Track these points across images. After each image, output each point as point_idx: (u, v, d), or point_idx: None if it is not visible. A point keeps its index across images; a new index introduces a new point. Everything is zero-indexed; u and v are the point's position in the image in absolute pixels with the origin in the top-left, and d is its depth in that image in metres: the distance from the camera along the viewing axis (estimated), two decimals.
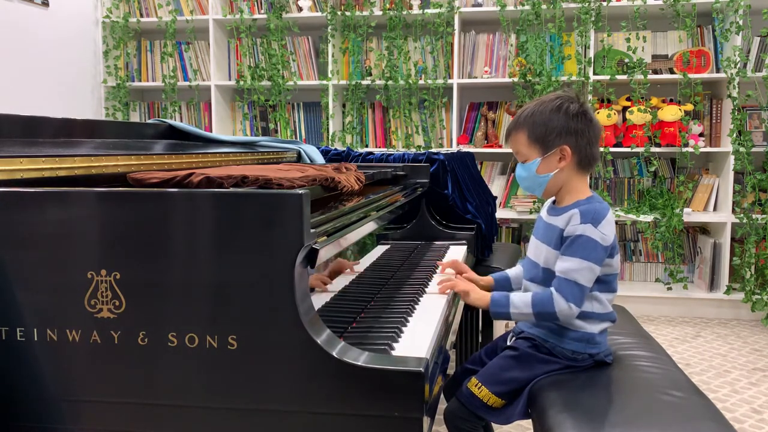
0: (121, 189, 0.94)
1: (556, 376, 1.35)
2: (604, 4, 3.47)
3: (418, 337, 1.09)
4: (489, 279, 1.58)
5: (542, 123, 1.36)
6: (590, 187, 3.69)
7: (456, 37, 3.64)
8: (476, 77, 3.74)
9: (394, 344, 1.04)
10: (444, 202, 2.10)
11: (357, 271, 1.43)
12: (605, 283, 1.36)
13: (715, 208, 3.55)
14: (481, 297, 1.41)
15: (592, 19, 3.46)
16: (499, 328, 2.45)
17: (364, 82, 3.75)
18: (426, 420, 0.88)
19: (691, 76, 3.40)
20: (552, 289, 1.33)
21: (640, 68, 3.41)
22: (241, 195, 0.90)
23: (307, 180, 1.10)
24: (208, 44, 3.90)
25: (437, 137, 3.86)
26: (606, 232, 1.31)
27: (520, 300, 1.35)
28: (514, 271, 1.57)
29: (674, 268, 3.58)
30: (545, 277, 1.37)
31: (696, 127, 3.51)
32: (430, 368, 0.89)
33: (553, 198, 1.44)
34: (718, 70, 3.48)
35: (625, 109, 3.55)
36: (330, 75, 3.76)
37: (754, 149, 3.35)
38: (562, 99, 1.37)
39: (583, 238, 1.30)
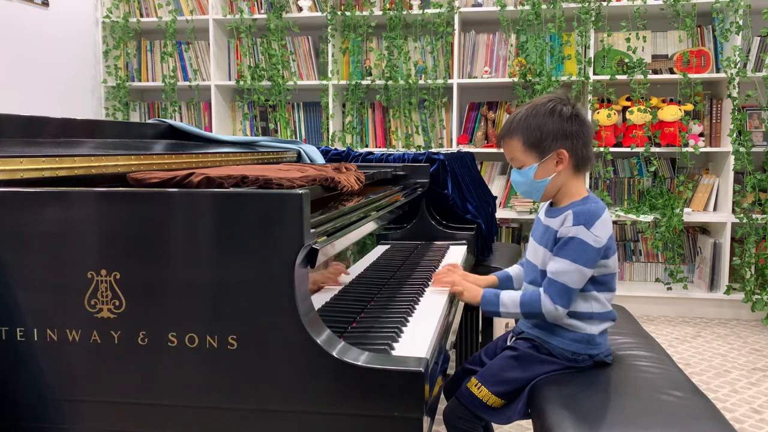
0: (121, 189, 0.94)
1: (555, 376, 1.35)
2: (604, 4, 3.47)
3: (418, 337, 1.09)
4: (493, 278, 1.58)
5: (537, 128, 1.35)
6: (590, 187, 3.69)
7: (456, 37, 3.64)
8: (476, 77, 3.74)
9: (394, 344, 1.04)
10: (444, 202, 2.10)
11: (357, 272, 1.43)
12: (602, 284, 1.36)
13: (715, 208, 3.55)
14: (474, 295, 1.42)
15: (592, 19, 3.46)
16: (499, 328, 2.45)
17: (364, 82, 3.76)
18: (426, 420, 0.88)
19: (691, 76, 3.40)
20: (540, 289, 1.34)
21: (640, 68, 3.41)
22: (241, 195, 0.90)
23: (307, 180, 1.10)
24: (208, 44, 3.90)
25: (437, 137, 3.86)
26: (599, 234, 1.31)
27: (510, 299, 1.37)
28: (515, 270, 1.58)
29: (674, 268, 3.58)
30: (544, 279, 1.37)
31: (696, 127, 3.51)
32: (430, 368, 0.89)
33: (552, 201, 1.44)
34: (718, 70, 3.48)
35: (625, 109, 3.55)
36: (330, 75, 3.76)
37: (754, 149, 3.35)
38: (554, 102, 1.37)
39: (575, 240, 1.31)
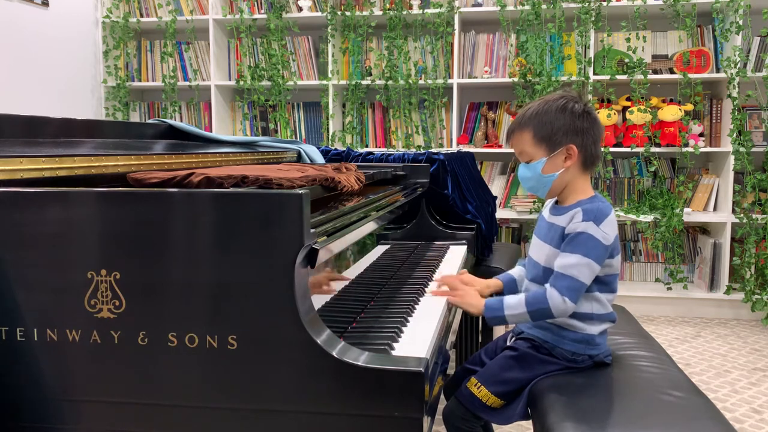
0: (121, 189, 0.94)
1: (555, 377, 1.35)
2: (604, 4, 3.47)
3: (418, 337, 1.09)
4: (497, 282, 1.54)
5: (548, 122, 1.36)
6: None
7: (456, 37, 3.64)
8: (476, 77, 3.74)
9: (394, 344, 1.04)
10: (444, 202, 2.10)
11: (357, 272, 1.43)
12: (605, 284, 1.36)
13: (715, 208, 3.55)
14: (475, 303, 1.38)
15: (592, 19, 3.46)
16: (499, 328, 2.45)
17: (364, 82, 3.75)
18: (426, 420, 0.88)
19: (691, 76, 3.40)
20: (546, 285, 1.32)
21: (640, 68, 3.41)
22: (241, 195, 0.90)
23: (307, 180, 1.10)
24: (208, 44, 3.90)
25: (437, 137, 3.86)
26: (607, 231, 1.31)
27: (515, 301, 1.34)
28: (518, 271, 1.56)
29: (674, 268, 3.58)
30: (546, 276, 1.36)
31: (696, 127, 3.51)
32: (430, 368, 0.89)
33: (556, 198, 1.44)
34: (718, 70, 3.48)
35: (625, 109, 3.55)
36: (330, 75, 3.76)
37: (754, 149, 3.35)
38: (566, 98, 1.37)
39: (585, 236, 1.30)
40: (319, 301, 1.10)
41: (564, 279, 1.30)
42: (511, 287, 1.54)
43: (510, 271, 1.58)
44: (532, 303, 1.32)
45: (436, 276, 1.57)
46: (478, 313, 1.37)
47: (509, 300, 1.35)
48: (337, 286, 1.25)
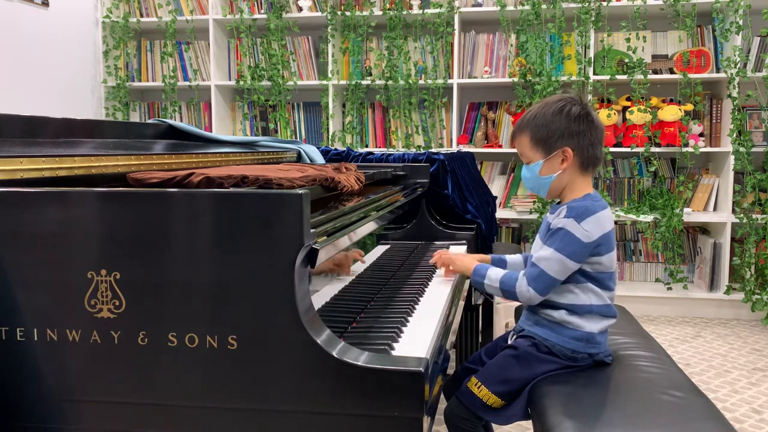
0: (121, 189, 0.94)
1: (556, 376, 1.35)
2: (604, 4, 3.47)
3: (418, 337, 1.09)
4: (486, 257, 1.61)
5: (544, 125, 1.39)
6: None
7: (456, 37, 3.64)
8: (476, 77, 3.74)
9: (394, 344, 1.04)
10: (444, 202, 2.10)
11: (357, 271, 1.43)
12: (597, 280, 1.37)
13: (715, 208, 3.55)
14: (466, 266, 1.49)
15: (592, 19, 3.46)
16: (500, 327, 2.45)
17: (364, 82, 3.75)
18: (426, 420, 0.88)
19: (691, 76, 3.40)
20: (522, 271, 1.38)
21: (640, 68, 3.41)
22: (241, 195, 0.90)
23: (307, 180, 1.10)
24: (208, 44, 3.90)
25: (437, 137, 3.86)
26: (589, 229, 1.32)
27: (495, 274, 1.42)
28: (513, 257, 1.61)
29: (674, 268, 3.58)
30: None
31: (696, 127, 3.51)
32: (430, 368, 0.89)
33: (559, 199, 1.46)
34: (718, 70, 3.48)
35: (625, 109, 3.55)
36: (330, 75, 3.76)
37: (754, 149, 3.35)
38: (564, 101, 1.39)
39: (563, 231, 1.33)
40: (319, 301, 1.10)
41: (534, 269, 1.35)
42: (500, 266, 1.58)
43: (506, 255, 1.63)
44: (504, 282, 1.40)
45: (436, 276, 1.58)
46: (467, 271, 1.48)
47: (492, 272, 1.43)
48: (338, 285, 1.25)
